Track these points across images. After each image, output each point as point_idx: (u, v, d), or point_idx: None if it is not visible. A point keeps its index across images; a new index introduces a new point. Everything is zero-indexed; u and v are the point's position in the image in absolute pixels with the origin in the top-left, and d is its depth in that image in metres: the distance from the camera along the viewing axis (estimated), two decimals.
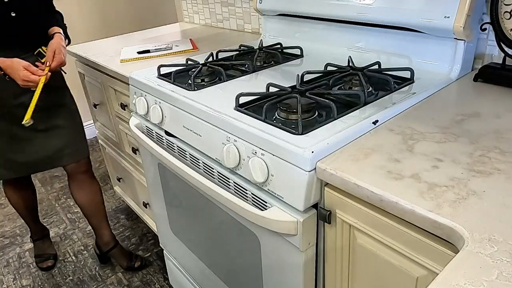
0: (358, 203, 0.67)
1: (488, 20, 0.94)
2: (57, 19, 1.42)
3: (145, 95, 1.15)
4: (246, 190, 0.86)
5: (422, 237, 0.59)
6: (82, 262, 1.86)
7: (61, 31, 1.37)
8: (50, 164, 1.50)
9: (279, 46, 1.34)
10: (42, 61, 1.28)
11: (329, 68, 1.07)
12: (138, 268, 1.77)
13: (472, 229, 0.51)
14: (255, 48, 1.32)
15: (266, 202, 0.81)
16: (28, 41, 1.31)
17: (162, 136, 1.13)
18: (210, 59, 1.26)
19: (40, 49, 1.30)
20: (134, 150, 1.58)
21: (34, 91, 1.21)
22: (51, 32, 1.36)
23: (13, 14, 1.21)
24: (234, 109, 0.90)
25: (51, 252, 1.88)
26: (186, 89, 1.05)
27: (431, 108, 0.86)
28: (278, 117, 0.86)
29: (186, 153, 1.05)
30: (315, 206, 0.76)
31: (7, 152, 1.43)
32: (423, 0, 0.99)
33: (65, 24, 1.44)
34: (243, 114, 0.87)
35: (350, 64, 1.06)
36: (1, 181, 1.62)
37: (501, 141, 0.71)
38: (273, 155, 0.76)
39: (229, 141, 0.86)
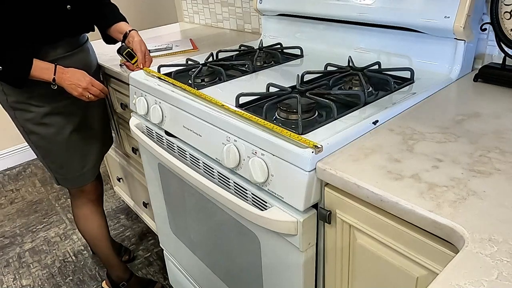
0: (358, 203, 0.67)
1: (488, 20, 0.94)
2: (118, 12, 1.33)
3: (145, 95, 1.15)
4: (246, 190, 0.86)
5: (422, 237, 0.59)
6: (82, 262, 1.86)
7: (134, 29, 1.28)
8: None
9: (279, 46, 1.34)
10: (132, 62, 1.24)
11: (329, 68, 1.07)
12: (126, 262, 1.78)
13: (472, 229, 0.51)
14: (255, 48, 1.32)
15: (266, 202, 0.81)
16: (77, 35, 1.25)
17: (162, 136, 1.13)
18: (210, 59, 1.26)
19: (128, 49, 1.24)
20: (134, 150, 1.58)
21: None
22: (122, 29, 1.27)
23: (69, 7, 1.15)
24: None
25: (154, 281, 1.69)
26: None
27: (431, 108, 0.86)
28: (278, 117, 0.86)
29: (186, 153, 1.05)
30: (315, 206, 0.76)
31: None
32: (423, 0, 0.99)
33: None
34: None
35: (350, 64, 1.06)
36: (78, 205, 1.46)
37: (501, 141, 0.71)
38: (273, 155, 0.76)
39: (229, 141, 0.86)
